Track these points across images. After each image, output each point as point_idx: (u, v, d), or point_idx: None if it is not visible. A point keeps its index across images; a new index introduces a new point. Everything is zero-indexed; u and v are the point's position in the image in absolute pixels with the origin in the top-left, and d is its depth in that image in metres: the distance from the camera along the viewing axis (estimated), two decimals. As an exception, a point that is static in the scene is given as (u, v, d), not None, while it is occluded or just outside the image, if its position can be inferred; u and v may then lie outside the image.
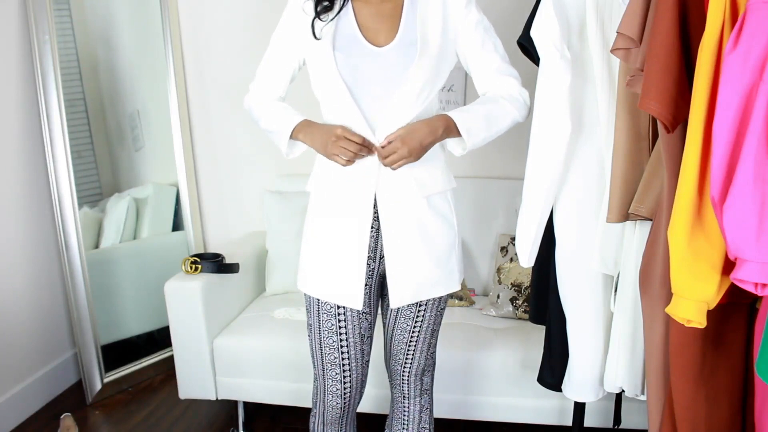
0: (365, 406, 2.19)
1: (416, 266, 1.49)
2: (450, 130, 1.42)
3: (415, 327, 1.58)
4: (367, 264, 1.50)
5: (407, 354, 1.61)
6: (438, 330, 1.63)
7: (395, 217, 1.46)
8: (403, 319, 1.58)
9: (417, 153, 1.39)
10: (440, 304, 1.59)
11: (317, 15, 1.44)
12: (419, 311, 1.57)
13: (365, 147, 1.40)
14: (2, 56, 2.30)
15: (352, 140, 1.38)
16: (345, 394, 1.57)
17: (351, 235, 1.47)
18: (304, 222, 1.58)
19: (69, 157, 2.41)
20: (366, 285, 1.51)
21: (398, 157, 1.37)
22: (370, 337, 1.58)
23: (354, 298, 1.48)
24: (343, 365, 1.54)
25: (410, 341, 1.60)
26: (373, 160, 1.44)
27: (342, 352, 1.53)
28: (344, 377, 1.55)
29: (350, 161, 1.40)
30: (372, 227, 1.47)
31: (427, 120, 1.42)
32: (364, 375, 1.60)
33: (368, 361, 1.60)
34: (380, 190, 1.45)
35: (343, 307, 1.51)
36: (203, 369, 2.22)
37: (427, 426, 1.69)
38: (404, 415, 1.68)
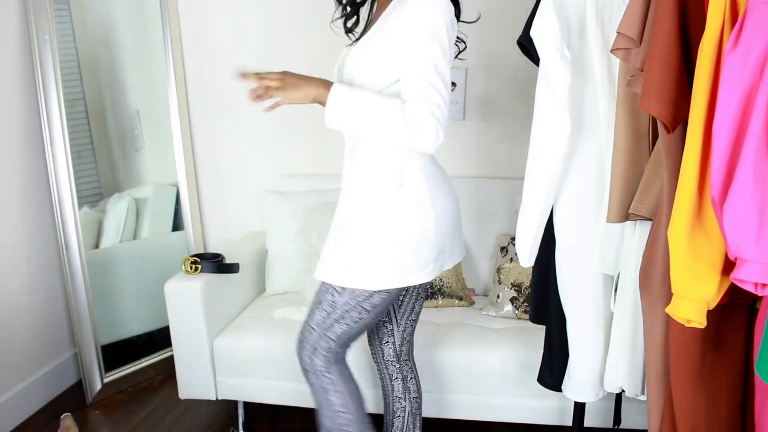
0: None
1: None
2: (323, 96, 1.43)
3: None
4: None
5: None
6: (315, 311, 1.60)
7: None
8: None
9: (289, 91, 1.42)
10: (322, 285, 1.60)
11: None
12: None
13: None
14: (2, 56, 2.30)
15: None
16: None
17: None
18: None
19: (69, 157, 2.41)
20: None
21: (267, 83, 1.42)
22: None
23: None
24: None
25: None
26: None
27: None
28: None
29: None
30: None
31: (315, 78, 1.45)
32: None
33: None
34: None
35: None
36: (203, 369, 2.22)
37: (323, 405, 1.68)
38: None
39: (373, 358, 1.82)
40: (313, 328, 1.59)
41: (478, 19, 1.62)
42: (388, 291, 1.52)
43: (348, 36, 1.61)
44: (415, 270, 1.50)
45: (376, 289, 1.50)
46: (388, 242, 1.48)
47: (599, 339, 1.71)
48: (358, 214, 1.51)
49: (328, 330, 1.57)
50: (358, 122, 1.41)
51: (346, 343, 1.61)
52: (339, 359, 1.62)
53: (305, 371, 1.64)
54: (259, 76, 1.42)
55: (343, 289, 1.53)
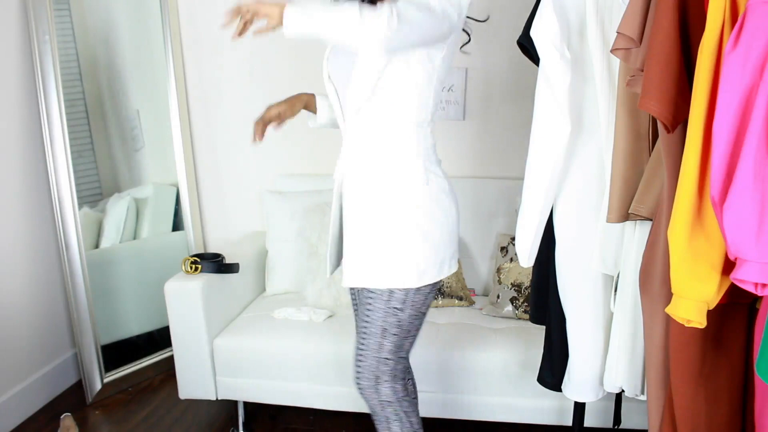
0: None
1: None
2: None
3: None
4: None
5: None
6: (383, 342, 1.53)
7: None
8: None
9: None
10: (366, 295, 1.55)
11: None
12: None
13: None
14: (2, 56, 2.30)
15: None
16: None
17: None
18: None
19: (69, 157, 2.41)
20: None
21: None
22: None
23: None
24: None
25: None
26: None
27: None
28: None
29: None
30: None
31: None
32: None
33: None
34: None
35: None
36: (203, 369, 2.22)
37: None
38: None
39: None
40: (388, 359, 1.54)
41: (487, 19, 1.63)
42: (433, 286, 1.54)
43: None
44: (447, 261, 1.55)
45: (422, 285, 1.50)
46: (427, 237, 1.50)
47: (599, 339, 1.71)
48: (392, 213, 1.50)
49: (400, 351, 1.55)
50: (313, 18, 1.32)
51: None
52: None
53: (385, 404, 1.56)
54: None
55: (404, 302, 1.50)
